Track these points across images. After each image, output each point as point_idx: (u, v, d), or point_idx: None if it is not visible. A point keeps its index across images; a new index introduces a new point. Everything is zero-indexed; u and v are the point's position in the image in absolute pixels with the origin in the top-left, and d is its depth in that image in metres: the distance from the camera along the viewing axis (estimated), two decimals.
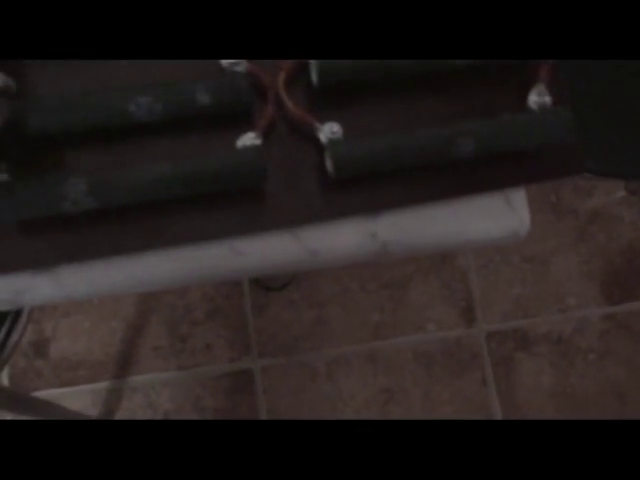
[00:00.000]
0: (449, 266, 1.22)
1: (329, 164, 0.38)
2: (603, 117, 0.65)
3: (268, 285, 1.09)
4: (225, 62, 0.37)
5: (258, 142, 0.37)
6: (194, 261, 0.39)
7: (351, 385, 1.14)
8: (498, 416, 1.14)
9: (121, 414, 1.07)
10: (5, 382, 1.06)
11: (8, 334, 0.79)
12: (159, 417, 1.07)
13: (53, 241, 0.36)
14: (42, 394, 1.05)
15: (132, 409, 1.07)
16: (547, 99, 0.41)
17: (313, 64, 0.38)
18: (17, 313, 0.65)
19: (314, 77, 0.38)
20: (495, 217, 0.41)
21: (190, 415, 1.08)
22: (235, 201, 0.38)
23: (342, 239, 0.40)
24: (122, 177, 0.35)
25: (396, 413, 1.13)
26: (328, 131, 0.38)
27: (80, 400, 1.06)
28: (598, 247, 1.28)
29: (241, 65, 0.38)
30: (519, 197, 0.42)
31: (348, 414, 1.11)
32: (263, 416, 1.08)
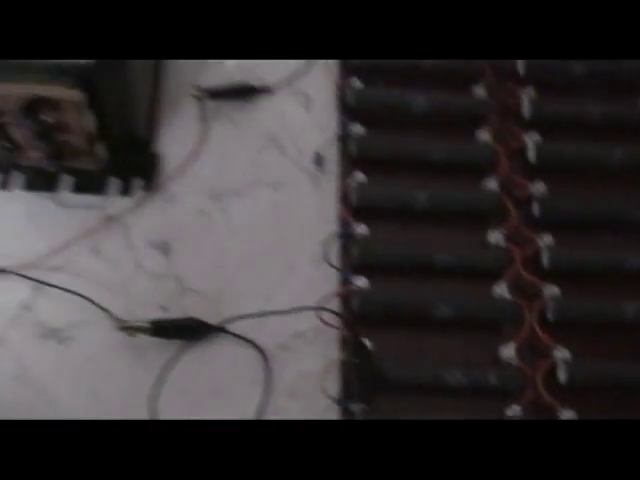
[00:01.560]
0: None
1: None
2: None
3: None
4: (503, 355, 0.58)
5: (522, 414, 0.56)
6: None
7: None
8: None
9: None
10: None
11: None
12: None
13: None
14: None
15: None
16: None
17: (562, 367, 0.57)
18: None
19: (562, 377, 0.57)
20: None
21: None
22: None
23: None
24: None
25: None
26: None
27: None
28: None
29: (513, 358, 0.58)
30: None
31: None
32: None
